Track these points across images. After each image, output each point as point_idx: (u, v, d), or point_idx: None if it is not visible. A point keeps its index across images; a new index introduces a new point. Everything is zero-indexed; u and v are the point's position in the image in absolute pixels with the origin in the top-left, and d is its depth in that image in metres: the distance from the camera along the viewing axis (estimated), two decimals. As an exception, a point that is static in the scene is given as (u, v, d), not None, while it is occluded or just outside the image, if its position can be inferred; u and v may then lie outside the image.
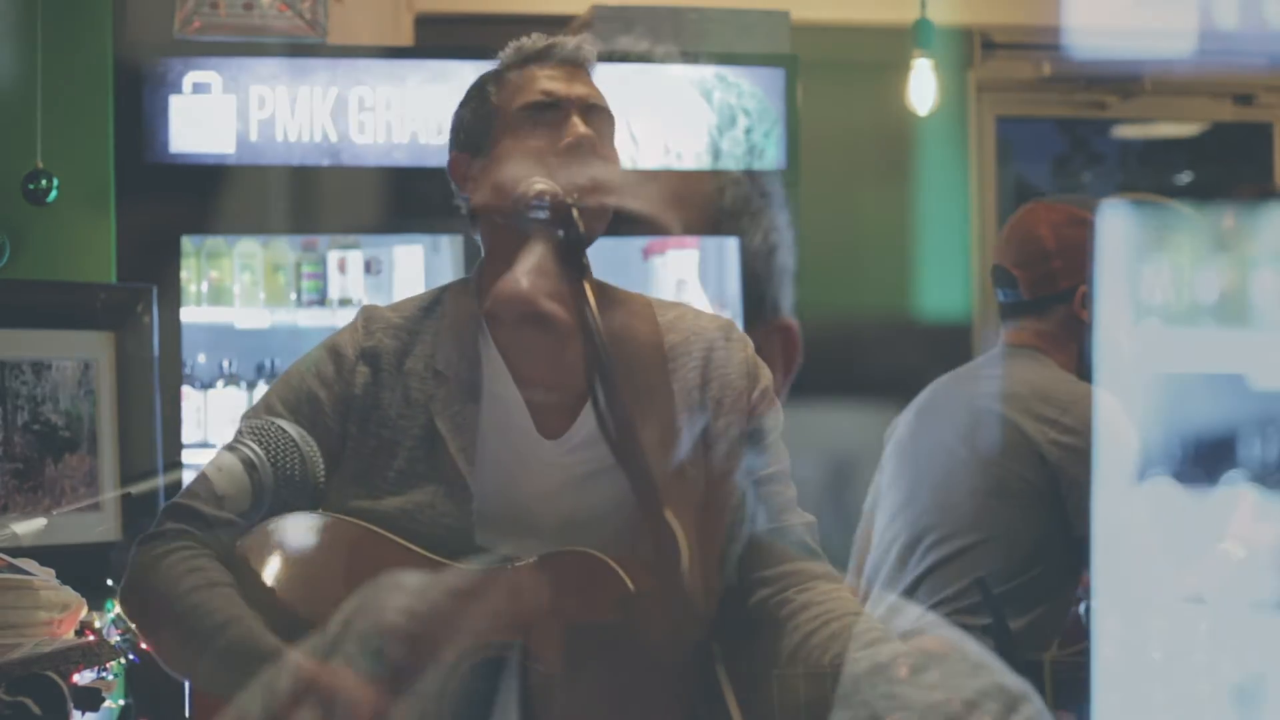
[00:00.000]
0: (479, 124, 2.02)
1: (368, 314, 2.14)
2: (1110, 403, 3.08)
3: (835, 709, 1.14)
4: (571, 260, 1.21)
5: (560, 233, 1.17)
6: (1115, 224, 1.40)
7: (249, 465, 1.44)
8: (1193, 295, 1.50)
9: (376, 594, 1.34)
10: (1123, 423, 2.95)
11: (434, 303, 2.06)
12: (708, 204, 1.17)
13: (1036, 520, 3.13)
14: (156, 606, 1.98)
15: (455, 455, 1.88)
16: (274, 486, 1.44)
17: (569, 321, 1.17)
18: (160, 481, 4.05)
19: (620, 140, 1.93)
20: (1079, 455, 3.08)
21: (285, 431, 1.45)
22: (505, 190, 1.39)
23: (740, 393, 1.73)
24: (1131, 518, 1.69)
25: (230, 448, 1.44)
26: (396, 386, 2.02)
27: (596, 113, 1.73)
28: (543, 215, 1.58)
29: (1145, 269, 1.45)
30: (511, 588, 1.26)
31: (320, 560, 1.75)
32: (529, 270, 1.17)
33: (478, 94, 2.03)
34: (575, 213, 1.36)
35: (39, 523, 1.31)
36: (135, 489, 1.43)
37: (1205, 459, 1.59)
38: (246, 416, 2.20)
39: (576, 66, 1.92)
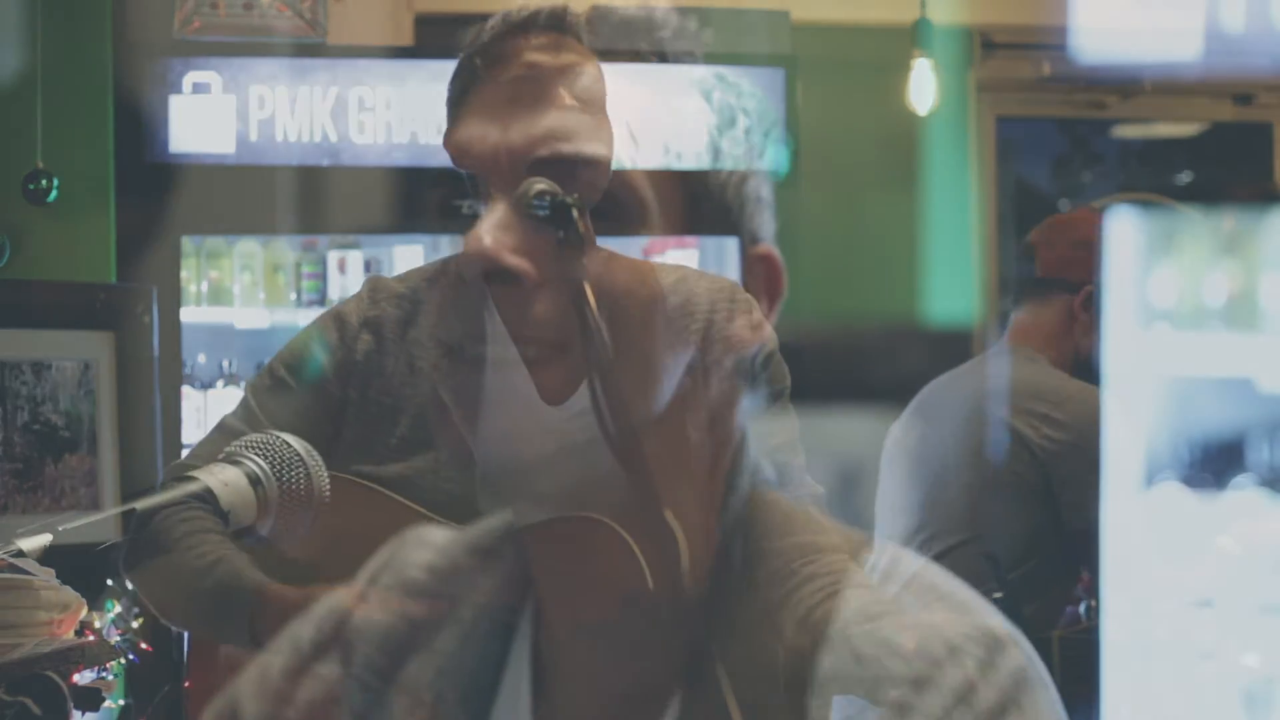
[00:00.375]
0: (466, 97, 2.01)
1: (373, 283, 2.16)
2: (1105, 401, 3.09)
3: (823, 651, 1.13)
4: (572, 260, 1.20)
5: (560, 234, 1.17)
6: (1123, 227, 1.40)
7: (254, 480, 1.43)
8: (1201, 299, 1.49)
9: (401, 550, 1.34)
10: (1117, 421, 2.95)
11: (439, 273, 2.08)
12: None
13: (1029, 515, 3.14)
14: (151, 554, 2.00)
15: (459, 422, 1.90)
16: (279, 501, 1.44)
17: (535, 275, 1.16)
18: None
19: (617, 122, 1.92)
20: (1070, 451, 3.10)
21: (290, 446, 1.44)
22: (459, 146, 1.37)
23: (744, 357, 1.74)
24: (1138, 521, 1.69)
25: (235, 462, 1.44)
26: (400, 354, 2.04)
27: (585, 78, 1.72)
28: (543, 213, 1.59)
29: (1153, 273, 1.45)
30: (529, 548, 1.26)
31: (325, 518, 1.76)
32: (491, 226, 1.16)
33: (466, 67, 2.02)
34: (575, 212, 1.35)
35: (44, 538, 1.30)
36: (141, 504, 1.42)
37: (1213, 463, 1.59)
38: (251, 385, 2.21)
39: (563, 33, 1.91)
